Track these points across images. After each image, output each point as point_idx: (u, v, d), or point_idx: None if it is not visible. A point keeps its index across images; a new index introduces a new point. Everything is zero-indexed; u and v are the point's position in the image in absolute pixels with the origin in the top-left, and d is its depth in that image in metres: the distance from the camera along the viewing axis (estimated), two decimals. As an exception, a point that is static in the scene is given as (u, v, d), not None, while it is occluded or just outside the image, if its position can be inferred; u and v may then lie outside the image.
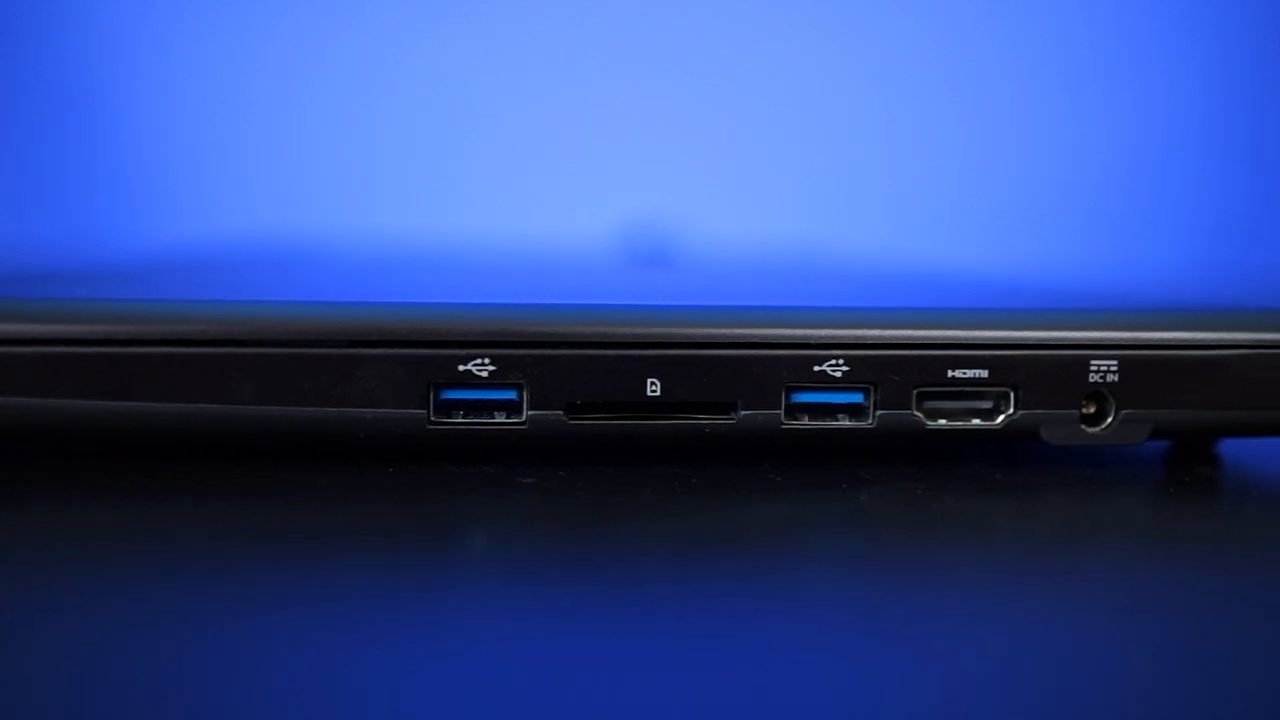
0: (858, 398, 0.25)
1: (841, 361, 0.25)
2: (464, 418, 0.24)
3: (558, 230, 0.81)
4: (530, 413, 0.24)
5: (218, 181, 0.99)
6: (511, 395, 0.24)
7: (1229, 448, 0.28)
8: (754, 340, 0.25)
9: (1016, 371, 0.25)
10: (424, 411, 0.24)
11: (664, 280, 0.45)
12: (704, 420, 0.25)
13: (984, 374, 0.25)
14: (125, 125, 0.99)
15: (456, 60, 0.99)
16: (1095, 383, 0.25)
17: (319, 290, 0.31)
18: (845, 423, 0.25)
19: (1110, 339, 0.25)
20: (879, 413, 0.25)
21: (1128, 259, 0.93)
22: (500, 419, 0.25)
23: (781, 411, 0.25)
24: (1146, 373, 0.25)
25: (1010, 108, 1.01)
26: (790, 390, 0.25)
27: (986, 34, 1.01)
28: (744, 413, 0.25)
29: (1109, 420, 0.25)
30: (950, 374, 0.25)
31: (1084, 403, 0.25)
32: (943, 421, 0.25)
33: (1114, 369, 0.25)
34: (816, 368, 0.25)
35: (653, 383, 0.25)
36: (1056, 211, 1.00)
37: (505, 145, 0.99)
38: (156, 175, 0.99)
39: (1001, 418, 0.25)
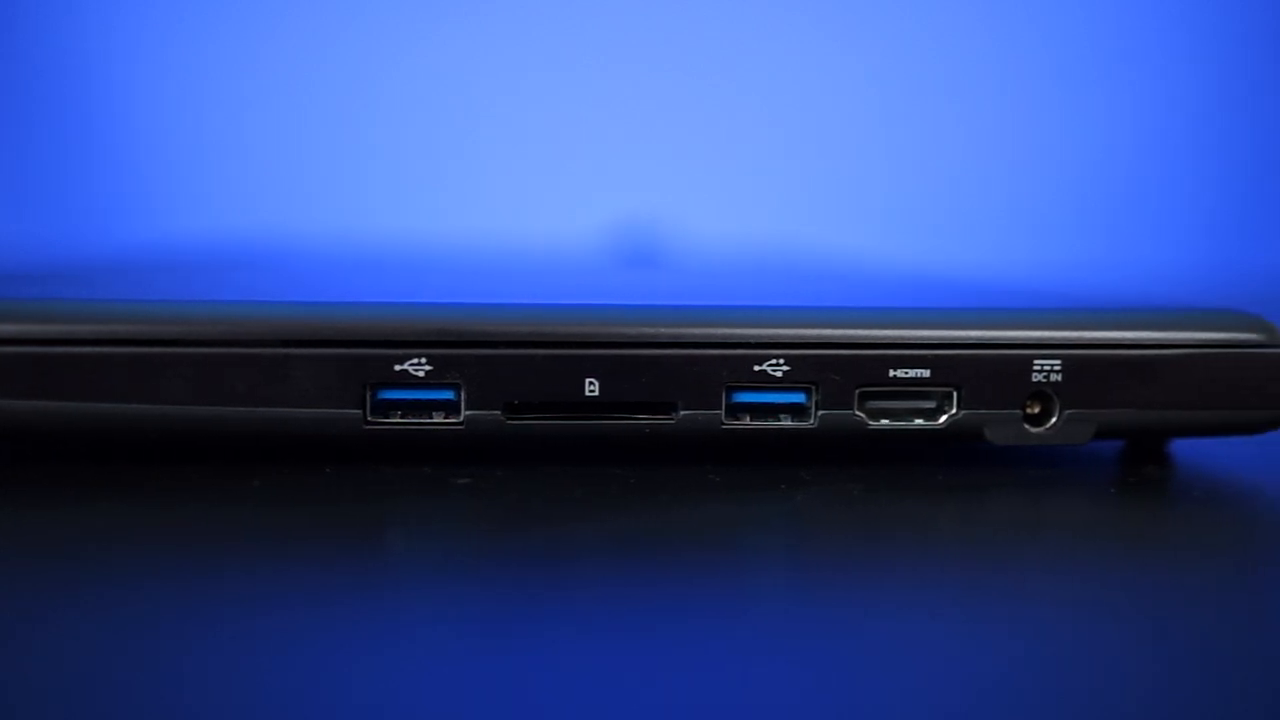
0: (799, 398, 0.25)
1: (782, 361, 0.25)
2: (401, 418, 0.24)
3: (549, 230, 0.81)
4: (468, 413, 0.24)
5: (214, 181, 0.99)
6: (449, 395, 0.24)
7: (1182, 447, 0.28)
8: (693, 340, 0.25)
9: (959, 371, 0.25)
10: (360, 412, 0.24)
11: (648, 280, 0.45)
12: (644, 420, 0.25)
13: (926, 374, 0.25)
14: (123, 125, 1.00)
15: (449, 61, 0.99)
16: (1039, 382, 0.25)
17: (304, 290, 0.31)
18: (787, 423, 0.25)
19: (1053, 339, 0.25)
20: (820, 413, 0.25)
21: (1125, 259, 0.93)
22: (438, 419, 0.24)
23: (722, 411, 0.25)
24: (1090, 373, 0.25)
25: (1006, 108, 1.00)
26: (731, 390, 0.25)
27: (982, 35, 1.00)
28: (684, 413, 0.25)
29: (1053, 420, 0.25)
30: (892, 373, 0.25)
31: (1028, 403, 0.25)
32: (885, 422, 0.25)
33: (1057, 369, 0.25)
34: (757, 367, 0.25)
35: (591, 383, 0.24)
36: (1053, 212, 0.99)
37: (499, 146, 0.99)
38: (152, 174, 0.99)
39: (944, 418, 0.25)
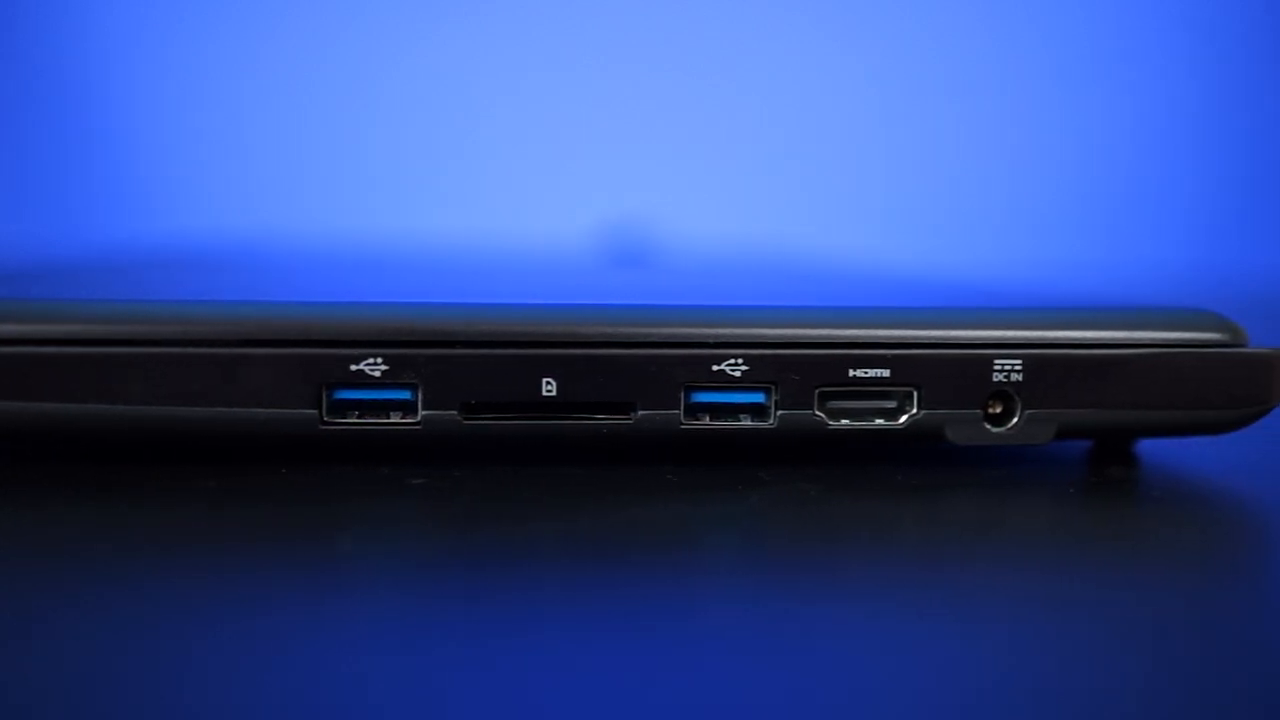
0: (758, 398, 0.25)
1: (740, 361, 0.24)
2: (358, 418, 0.24)
3: (546, 231, 0.81)
4: (425, 413, 0.24)
5: (213, 180, 0.99)
6: (406, 395, 0.24)
7: (1149, 448, 0.28)
8: (651, 339, 0.24)
9: (919, 371, 0.25)
10: (315, 412, 0.24)
11: (635, 280, 0.45)
12: (601, 420, 0.25)
13: (886, 373, 0.25)
14: (123, 125, 1.00)
15: (446, 61, 0.99)
16: (999, 382, 0.25)
17: (294, 290, 0.31)
18: (746, 423, 0.25)
19: (1014, 338, 0.25)
20: (780, 413, 0.25)
21: (1125, 259, 0.93)
22: (395, 419, 0.24)
23: (680, 412, 0.25)
24: (1051, 372, 0.25)
25: (1006, 108, 1.00)
26: (689, 390, 0.25)
27: (982, 35, 1.00)
28: (642, 413, 0.25)
29: (1014, 420, 0.25)
30: (852, 373, 0.25)
31: (989, 402, 0.25)
32: (845, 422, 0.25)
33: (1018, 368, 0.25)
34: (715, 367, 0.24)
35: (549, 383, 0.24)
36: (1053, 212, 0.99)
37: (496, 146, 0.99)
38: (152, 174, 0.99)
39: (905, 418, 0.25)
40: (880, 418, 0.25)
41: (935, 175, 1.00)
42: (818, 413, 0.25)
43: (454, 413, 0.24)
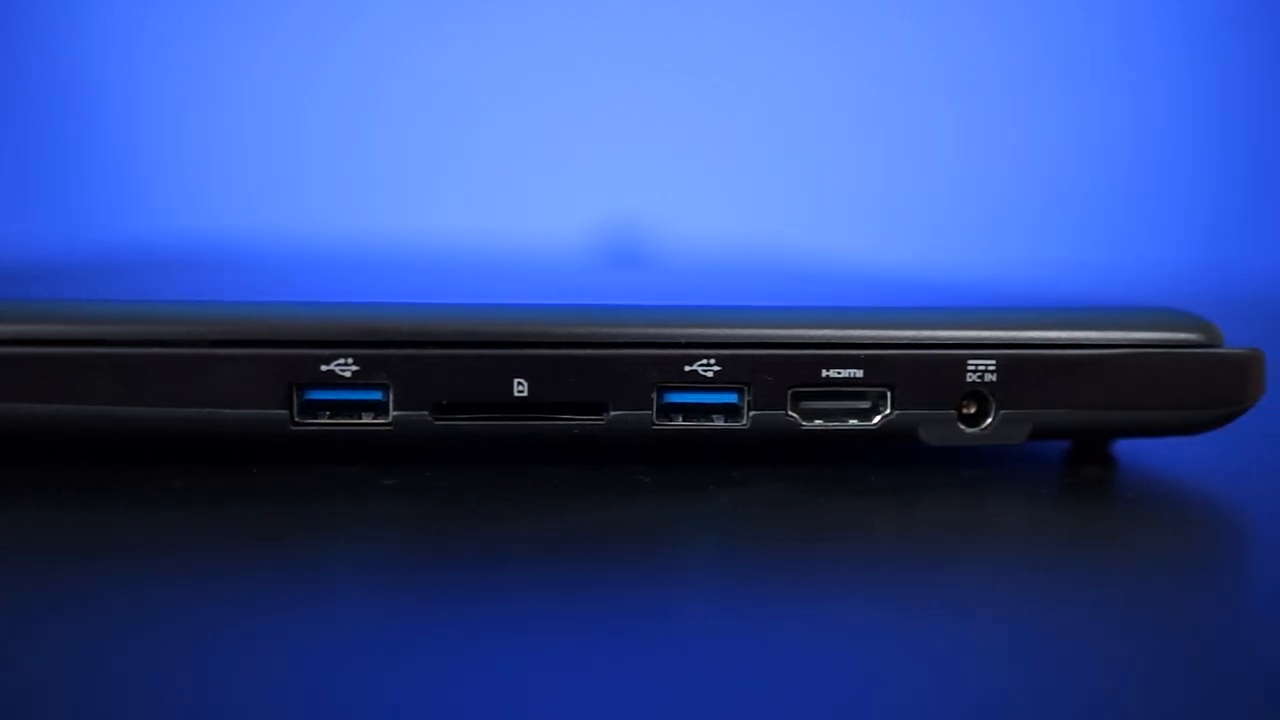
0: (731, 398, 0.25)
1: (712, 361, 0.24)
2: (329, 418, 0.24)
3: (545, 231, 0.81)
4: (396, 413, 0.24)
5: (213, 180, 1.00)
6: (377, 395, 0.24)
7: (1127, 448, 0.27)
8: (622, 340, 0.24)
9: (892, 371, 0.25)
10: (286, 412, 0.24)
11: (627, 280, 0.45)
12: (573, 421, 0.25)
13: (859, 374, 0.25)
14: (123, 125, 1.00)
15: (446, 62, 0.99)
16: (973, 382, 0.25)
17: (287, 290, 0.31)
18: (719, 423, 0.25)
19: (988, 338, 0.25)
20: (753, 413, 0.25)
21: (1125, 259, 0.92)
22: (366, 419, 0.24)
23: (653, 412, 0.25)
24: (1025, 373, 0.25)
25: (1006, 108, 1.00)
26: (662, 390, 0.25)
27: (982, 35, 1.00)
28: (614, 413, 0.24)
29: (988, 420, 0.25)
30: (825, 374, 0.25)
31: (963, 403, 0.25)
32: (819, 422, 0.25)
33: (992, 369, 0.25)
34: (687, 368, 0.24)
35: (520, 383, 0.24)
36: (1053, 212, 0.99)
37: (495, 146, 0.99)
38: (151, 174, 0.99)
39: (878, 418, 0.25)
40: (854, 418, 0.25)
41: (935, 175, 0.99)
42: (791, 413, 0.25)
43: (425, 413, 0.24)
